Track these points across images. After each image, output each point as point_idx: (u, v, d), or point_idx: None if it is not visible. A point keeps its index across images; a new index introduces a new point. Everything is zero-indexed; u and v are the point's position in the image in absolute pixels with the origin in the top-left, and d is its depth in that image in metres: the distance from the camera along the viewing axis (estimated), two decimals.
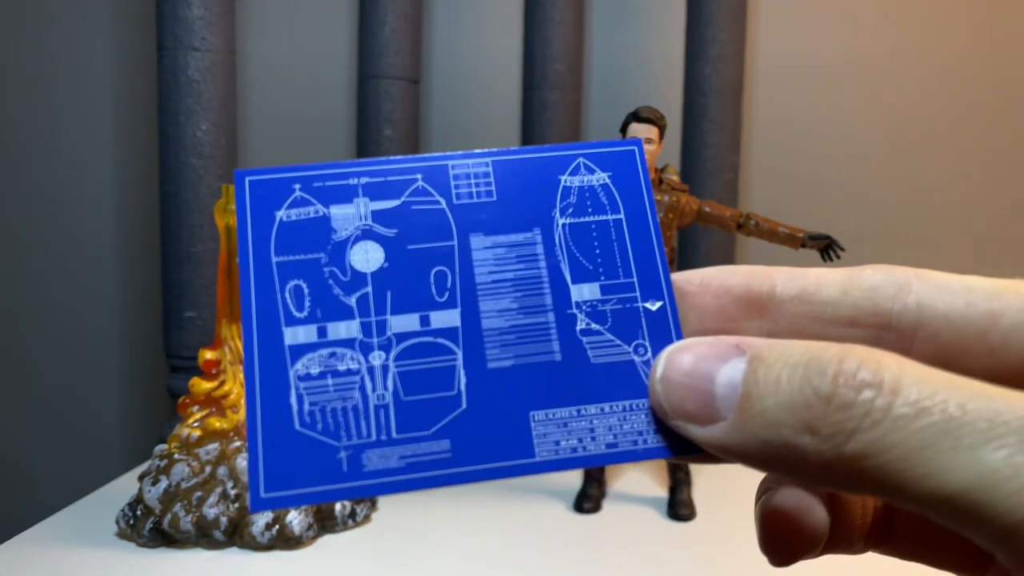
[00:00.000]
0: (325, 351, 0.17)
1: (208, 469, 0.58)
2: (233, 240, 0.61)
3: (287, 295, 0.18)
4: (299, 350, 0.17)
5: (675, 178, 0.69)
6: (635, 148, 0.20)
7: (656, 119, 0.66)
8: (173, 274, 0.82)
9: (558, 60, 0.85)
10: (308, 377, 0.17)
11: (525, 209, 0.19)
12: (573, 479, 0.70)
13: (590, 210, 0.19)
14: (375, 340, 0.18)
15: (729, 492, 0.68)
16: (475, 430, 0.17)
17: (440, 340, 0.18)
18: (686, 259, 0.87)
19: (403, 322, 0.18)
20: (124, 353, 0.95)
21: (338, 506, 0.60)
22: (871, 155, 0.91)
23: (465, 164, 0.19)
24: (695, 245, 0.87)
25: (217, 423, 0.59)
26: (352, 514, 0.61)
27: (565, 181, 0.19)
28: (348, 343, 0.17)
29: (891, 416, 0.13)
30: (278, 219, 0.18)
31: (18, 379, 0.96)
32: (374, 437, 0.17)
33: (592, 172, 0.19)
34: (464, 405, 0.17)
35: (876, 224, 0.90)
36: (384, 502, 0.65)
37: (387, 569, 0.54)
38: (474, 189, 0.19)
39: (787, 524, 0.17)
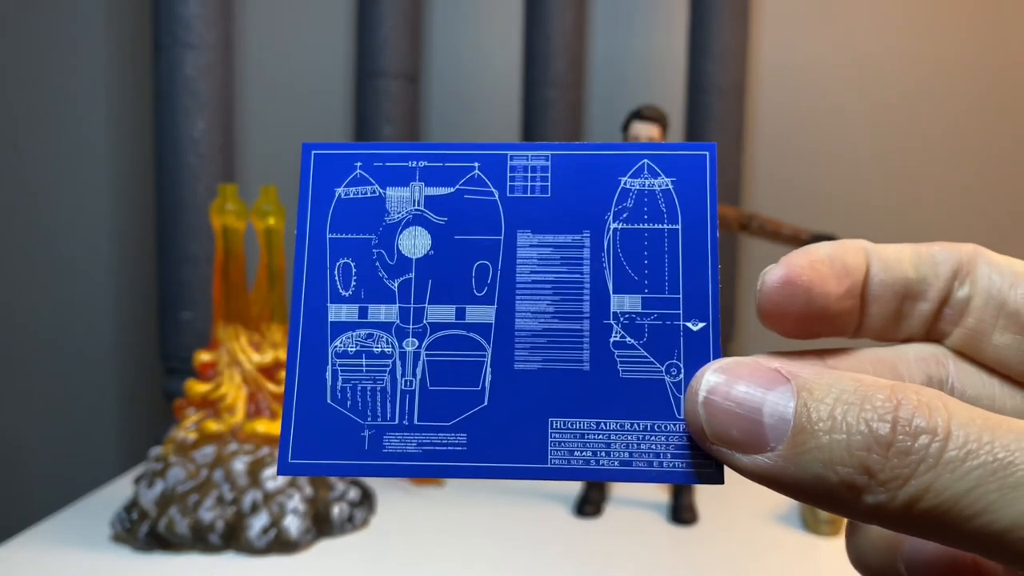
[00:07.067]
0: (363, 332, 0.18)
1: (204, 472, 0.58)
2: (229, 239, 0.60)
3: (336, 272, 0.18)
4: (340, 327, 0.18)
5: None
6: (707, 153, 0.18)
7: (658, 117, 0.66)
8: (169, 275, 0.81)
9: (559, 58, 0.85)
10: (345, 355, 0.18)
11: (578, 209, 0.18)
12: (574, 482, 0.69)
13: (646, 217, 0.18)
14: (411, 327, 0.18)
15: (731, 496, 0.67)
16: (493, 428, 0.17)
17: (472, 335, 0.18)
18: None
19: (440, 312, 0.18)
20: (120, 355, 0.94)
21: (336, 510, 0.59)
22: (875, 154, 0.90)
23: (524, 156, 0.19)
24: None
25: (213, 426, 0.58)
26: (350, 518, 0.60)
27: (625, 183, 0.18)
28: (385, 326, 0.18)
29: (943, 460, 0.13)
30: (337, 196, 0.19)
31: (13, 381, 0.95)
32: (396, 421, 0.17)
33: (656, 176, 0.18)
34: (486, 402, 0.17)
35: (880, 223, 0.90)
36: (382, 506, 0.65)
37: (385, 574, 0.54)
38: (529, 183, 0.19)
39: (881, 561, 0.18)
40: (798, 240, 0.68)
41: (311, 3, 0.91)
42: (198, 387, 0.60)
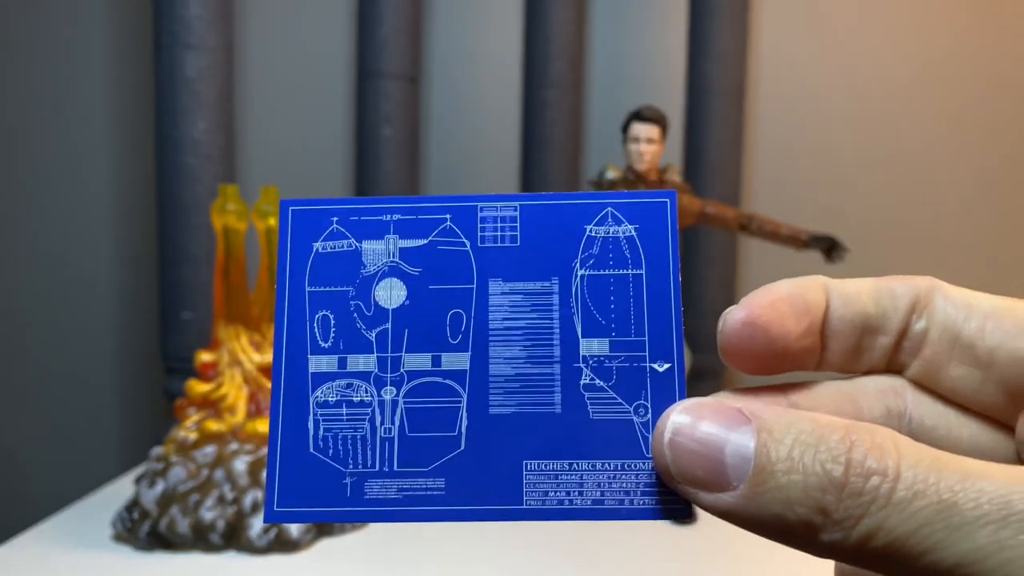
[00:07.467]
0: (343, 382, 0.19)
1: (205, 472, 0.58)
2: (230, 240, 0.61)
3: (315, 324, 0.19)
4: (320, 378, 0.19)
5: (678, 179, 0.69)
6: (668, 200, 0.19)
7: (658, 118, 0.66)
8: (170, 275, 0.81)
9: (559, 58, 0.85)
10: (325, 404, 0.18)
11: (546, 257, 0.19)
12: None
13: (611, 263, 0.19)
14: (388, 376, 0.19)
15: None
16: (470, 472, 0.18)
17: (448, 381, 0.18)
18: (687, 260, 0.86)
19: (416, 360, 0.19)
20: (120, 355, 0.94)
21: None
22: (875, 155, 0.90)
23: (494, 207, 0.19)
24: (696, 246, 0.86)
25: (214, 425, 0.59)
26: None
27: (590, 231, 0.19)
28: (364, 376, 0.19)
29: (893, 501, 0.14)
30: (315, 250, 0.19)
31: (14, 380, 0.95)
32: (377, 467, 0.18)
33: (619, 223, 0.19)
34: (462, 447, 0.18)
35: (879, 224, 0.90)
36: None
37: (385, 573, 0.54)
38: (499, 233, 0.19)
39: None
40: (797, 240, 0.68)
41: (311, 3, 0.91)
42: (199, 387, 0.60)
